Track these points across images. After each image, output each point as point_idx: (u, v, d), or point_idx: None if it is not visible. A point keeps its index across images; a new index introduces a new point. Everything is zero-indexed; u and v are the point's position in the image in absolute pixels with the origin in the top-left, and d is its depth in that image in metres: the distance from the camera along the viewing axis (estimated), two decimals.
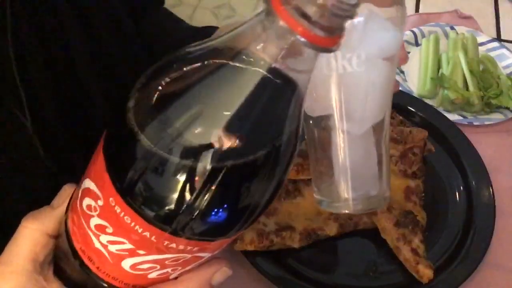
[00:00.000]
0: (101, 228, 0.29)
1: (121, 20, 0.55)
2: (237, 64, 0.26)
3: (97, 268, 0.31)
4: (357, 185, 0.43)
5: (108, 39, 0.52)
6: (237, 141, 0.25)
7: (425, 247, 0.57)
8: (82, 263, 0.32)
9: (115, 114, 0.28)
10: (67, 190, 0.35)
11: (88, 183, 0.30)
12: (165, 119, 0.26)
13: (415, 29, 0.89)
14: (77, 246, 0.32)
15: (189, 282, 0.32)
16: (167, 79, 0.27)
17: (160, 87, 0.27)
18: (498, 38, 0.92)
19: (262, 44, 0.25)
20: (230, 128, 0.25)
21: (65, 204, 0.34)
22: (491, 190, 0.64)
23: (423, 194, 0.63)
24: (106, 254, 0.30)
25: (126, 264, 0.30)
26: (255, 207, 0.28)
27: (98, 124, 0.38)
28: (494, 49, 0.87)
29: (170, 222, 0.27)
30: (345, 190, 0.43)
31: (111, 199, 0.28)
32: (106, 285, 0.32)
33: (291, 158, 0.28)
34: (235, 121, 0.25)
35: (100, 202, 0.29)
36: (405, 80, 0.82)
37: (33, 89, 0.44)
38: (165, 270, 0.31)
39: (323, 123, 0.41)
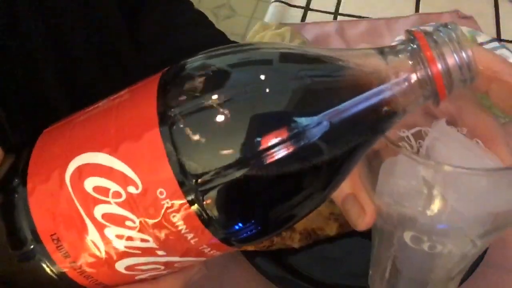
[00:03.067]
0: (116, 219, 0.24)
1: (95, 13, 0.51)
2: (352, 66, 0.25)
3: (71, 262, 0.26)
4: None
5: (72, 28, 0.48)
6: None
7: None
8: (34, 254, 0.26)
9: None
10: None
11: (103, 159, 0.24)
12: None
13: None
14: (43, 231, 0.26)
15: (173, 281, 0.30)
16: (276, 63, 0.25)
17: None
18: (498, 38, 0.92)
19: (388, 64, 0.25)
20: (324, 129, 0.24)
21: None
22: None
23: None
24: (102, 249, 0.25)
25: (124, 263, 0.26)
26: (299, 216, 0.27)
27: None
28: (494, 49, 0.86)
29: (231, 231, 0.24)
30: None
31: (160, 190, 0.23)
32: (61, 281, 0.27)
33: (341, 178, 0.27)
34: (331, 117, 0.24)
35: (133, 190, 0.23)
36: None
37: None
38: (161, 272, 0.28)
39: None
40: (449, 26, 0.25)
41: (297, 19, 0.96)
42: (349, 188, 0.33)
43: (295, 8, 0.99)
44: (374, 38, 0.91)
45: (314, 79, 0.24)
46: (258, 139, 0.23)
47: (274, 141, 0.23)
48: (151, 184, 0.23)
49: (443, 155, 0.30)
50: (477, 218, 0.30)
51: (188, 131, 0.23)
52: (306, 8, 0.99)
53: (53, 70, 0.45)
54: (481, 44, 0.86)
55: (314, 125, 0.23)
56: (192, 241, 0.25)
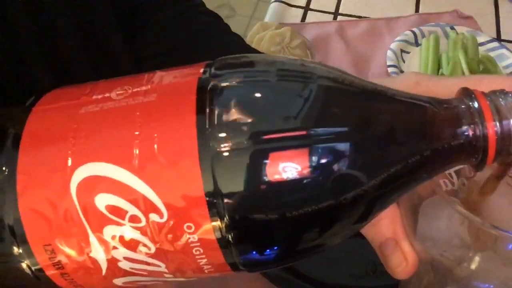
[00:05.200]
0: (128, 243, 0.22)
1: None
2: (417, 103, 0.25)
3: (61, 273, 0.23)
4: None
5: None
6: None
7: None
8: (18, 260, 0.22)
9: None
10: None
11: (123, 176, 0.20)
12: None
13: (415, 29, 0.89)
14: (35, 240, 0.21)
15: (174, 281, 0.30)
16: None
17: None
18: (498, 38, 0.92)
19: (441, 114, 0.24)
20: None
21: None
22: None
23: None
24: (104, 267, 0.23)
25: (125, 280, 0.24)
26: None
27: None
28: (494, 49, 0.86)
29: (252, 263, 0.24)
30: None
31: (188, 224, 0.21)
32: (42, 283, 0.23)
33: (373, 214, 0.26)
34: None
35: (157, 218, 0.21)
36: None
37: None
38: (158, 283, 0.26)
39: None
40: (510, 95, 0.24)
41: (297, 19, 0.97)
42: (390, 232, 0.29)
43: (295, 8, 0.99)
44: (374, 38, 0.91)
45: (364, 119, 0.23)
46: (304, 186, 0.21)
47: (323, 196, 0.22)
48: (179, 217, 0.21)
49: (487, 201, 0.29)
50: None
51: (234, 169, 0.20)
52: (306, 8, 0.99)
53: (44, 69, 0.45)
54: (481, 44, 0.86)
55: (357, 169, 0.22)
56: (206, 270, 0.24)
